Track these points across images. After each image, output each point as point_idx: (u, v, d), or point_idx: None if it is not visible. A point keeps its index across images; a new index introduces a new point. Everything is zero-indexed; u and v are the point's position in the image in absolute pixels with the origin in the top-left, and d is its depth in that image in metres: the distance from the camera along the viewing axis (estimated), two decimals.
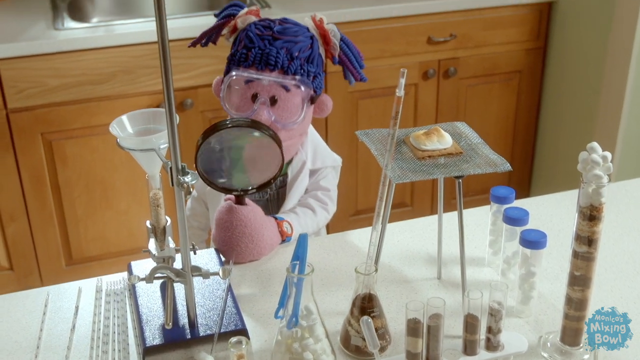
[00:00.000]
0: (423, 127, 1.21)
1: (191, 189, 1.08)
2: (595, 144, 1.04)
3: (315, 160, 1.58)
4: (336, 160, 1.63)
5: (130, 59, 2.44)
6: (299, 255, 1.07)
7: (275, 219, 1.44)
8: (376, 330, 1.08)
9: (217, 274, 1.16)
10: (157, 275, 1.15)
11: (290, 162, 1.56)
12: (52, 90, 2.40)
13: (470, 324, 1.02)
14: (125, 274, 1.34)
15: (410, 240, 1.44)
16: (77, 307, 1.26)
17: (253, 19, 1.49)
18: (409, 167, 1.11)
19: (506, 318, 1.10)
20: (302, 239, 1.07)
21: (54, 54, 2.36)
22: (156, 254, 1.20)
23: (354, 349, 1.14)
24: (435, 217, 1.43)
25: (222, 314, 1.20)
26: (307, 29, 1.48)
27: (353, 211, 2.94)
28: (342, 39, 1.47)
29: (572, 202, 1.55)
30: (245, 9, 1.51)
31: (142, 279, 1.16)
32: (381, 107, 2.79)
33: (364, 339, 1.13)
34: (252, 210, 1.36)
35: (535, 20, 2.82)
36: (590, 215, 1.05)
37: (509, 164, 1.11)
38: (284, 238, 1.43)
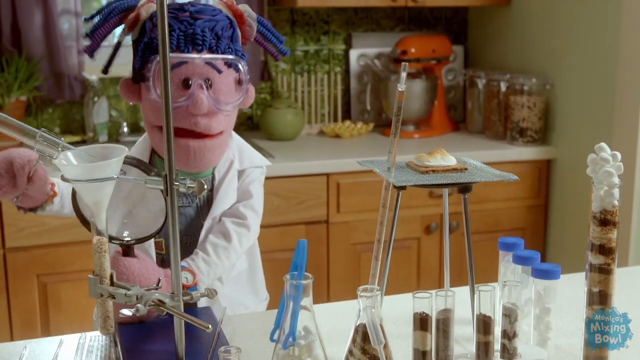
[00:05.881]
0: None
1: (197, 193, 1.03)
2: (603, 144, 1.02)
3: (243, 159, 1.45)
4: (264, 160, 1.49)
5: None
6: (297, 264, 1.00)
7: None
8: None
9: (205, 295, 1.08)
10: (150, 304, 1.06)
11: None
12: (52, 230, 2.38)
13: (484, 322, 0.93)
14: None
15: None
16: (56, 356, 1.17)
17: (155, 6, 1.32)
18: (412, 178, 1.07)
19: None
20: (301, 246, 1.01)
21: None
22: (125, 293, 1.04)
23: None
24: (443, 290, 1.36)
25: (212, 353, 1.11)
26: (221, 10, 1.37)
27: None
28: (258, 20, 1.39)
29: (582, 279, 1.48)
30: None
31: (135, 312, 1.05)
32: None
33: None
34: (138, 262, 1.22)
35: (535, 177, 2.86)
36: (605, 219, 1.00)
37: (515, 176, 1.08)
38: (185, 289, 1.28)
